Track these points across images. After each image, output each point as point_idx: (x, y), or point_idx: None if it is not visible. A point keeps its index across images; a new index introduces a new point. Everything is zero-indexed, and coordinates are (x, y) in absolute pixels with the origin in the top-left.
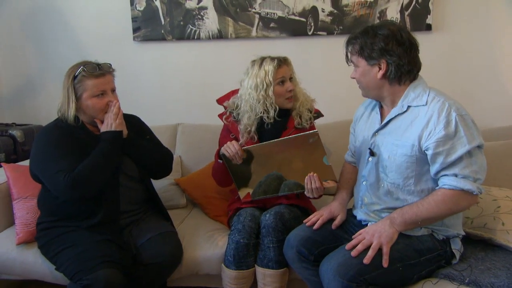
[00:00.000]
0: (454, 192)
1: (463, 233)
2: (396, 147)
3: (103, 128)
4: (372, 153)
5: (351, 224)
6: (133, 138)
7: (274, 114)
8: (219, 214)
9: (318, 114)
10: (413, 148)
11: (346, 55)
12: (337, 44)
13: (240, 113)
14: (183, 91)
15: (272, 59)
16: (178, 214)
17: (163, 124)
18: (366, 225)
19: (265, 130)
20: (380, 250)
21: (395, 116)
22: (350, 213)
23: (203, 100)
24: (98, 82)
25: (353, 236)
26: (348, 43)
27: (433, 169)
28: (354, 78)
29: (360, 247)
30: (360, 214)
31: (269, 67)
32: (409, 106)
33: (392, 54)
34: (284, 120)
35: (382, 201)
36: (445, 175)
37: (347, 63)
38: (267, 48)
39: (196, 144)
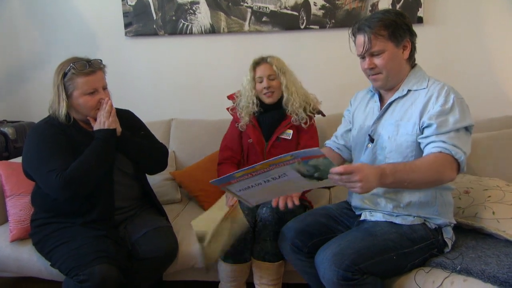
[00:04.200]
0: (444, 156)
1: (455, 222)
2: (397, 127)
3: (96, 126)
4: (371, 139)
5: (345, 216)
6: (127, 135)
7: (255, 106)
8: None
9: (314, 113)
10: (414, 127)
11: (363, 45)
12: (329, 38)
13: (241, 103)
14: (176, 86)
15: (254, 60)
16: (174, 209)
17: (157, 120)
18: (359, 216)
19: (264, 120)
20: (374, 238)
21: (396, 100)
22: (344, 204)
23: (196, 95)
24: (89, 80)
25: (347, 168)
26: (368, 29)
27: (422, 136)
28: (372, 67)
29: (337, 178)
30: (354, 200)
31: (250, 67)
32: (409, 90)
33: (413, 32)
34: (281, 113)
35: None
36: (433, 141)
37: (361, 55)
38: (259, 43)
39: (189, 139)
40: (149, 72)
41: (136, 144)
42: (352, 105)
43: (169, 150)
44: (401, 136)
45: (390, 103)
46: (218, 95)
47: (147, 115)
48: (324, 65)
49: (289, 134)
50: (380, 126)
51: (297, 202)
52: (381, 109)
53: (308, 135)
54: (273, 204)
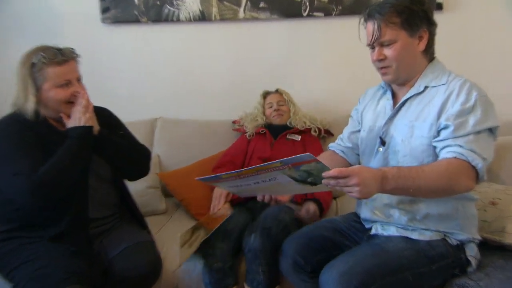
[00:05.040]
0: (459, 162)
1: (479, 238)
2: (412, 128)
3: (70, 123)
4: (383, 142)
5: (353, 230)
6: (105, 133)
7: (263, 120)
8: (204, 211)
9: (322, 129)
10: (431, 129)
11: (372, 34)
12: (336, 27)
13: (247, 121)
14: (161, 81)
15: (265, 91)
16: (157, 221)
17: (139, 119)
18: (369, 229)
19: (272, 126)
20: (386, 255)
21: (411, 97)
22: (352, 216)
23: (184, 91)
24: (62, 70)
25: (342, 171)
26: (378, 15)
27: (437, 139)
28: (381, 59)
29: (332, 183)
30: (364, 212)
31: (260, 96)
32: (426, 87)
33: (432, 21)
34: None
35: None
36: (448, 145)
37: (370, 44)
38: (256, 32)
39: (177, 141)
40: (129, 64)
41: (115, 144)
42: (361, 103)
43: (154, 154)
44: (416, 138)
45: (405, 101)
46: (209, 91)
47: (127, 114)
48: (330, 58)
49: (298, 137)
50: (393, 127)
51: (284, 202)
52: (394, 107)
53: (312, 147)
54: (258, 198)
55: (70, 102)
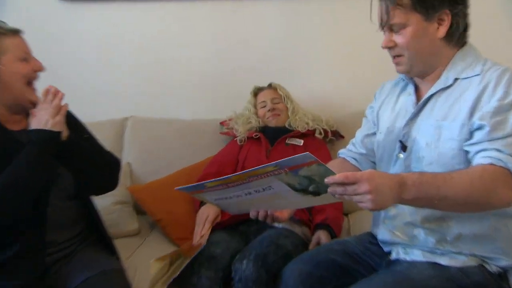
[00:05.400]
0: (497, 169)
1: None
2: (439, 129)
3: (34, 125)
4: (404, 147)
5: (369, 253)
6: (74, 141)
7: (258, 122)
8: (186, 236)
9: (329, 130)
10: (462, 129)
11: (381, 17)
12: (344, 7)
13: (238, 123)
14: (132, 72)
15: (255, 87)
16: (128, 244)
17: (104, 119)
18: (389, 253)
19: (268, 130)
20: (410, 285)
21: (437, 92)
22: (367, 237)
23: (160, 84)
24: (20, 41)
25: (349, 176)
26: None
27: (470, 142)
28: (390, 47)
29: (339, 191)
30: (382, 233)
31: (250, 94)
32: (456, 79)
33: (457, 0)
34: (288, 130)
35: (414, 209)
36: (483, 149)
37: (381, 28)
38: (248, 13)
39: (152, 146)
40: (94, 51)
41: (84, 152)
42: (377, 100)
43: (123, 162)
44: (444, 142)
45: (430, 97)
46: (191, 85)
47: (89, 112)
48: (336, 45)
49: (299, 141)
50: (415, 128)
51: (283, 219)
52: (416, 104)
53: (318, 154)
54: (251, 214)
55: (30, 84)
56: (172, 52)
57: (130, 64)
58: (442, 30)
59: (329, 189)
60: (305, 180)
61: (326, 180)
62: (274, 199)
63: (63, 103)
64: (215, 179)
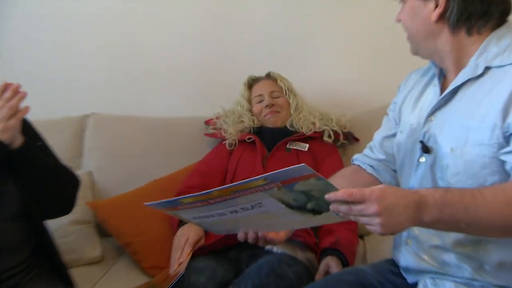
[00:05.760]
0: None
1: None
2: (467, 131)
3: None
4: (425, 149)
5: (388, 285)
6: (30, 149)
7: (252, 122)
8: (161, 263)
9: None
10: (494, 132)
11: None
12: None
13: (227, 123)
14: (96, 60)
15: (250, 77)
16: (89, 275)
17: (59, 117)
18: (415, 284)
19: (265, 133)
20: None
21: (465, 83)
22: (387, 266)
23: (129, 75)
24: None
25: (352, 193)
26: None
27: (506, 150)
28: (399, 20)
29: (343, 210)
30: (405, 257)
31: (242, 87)
32: (487, 68)
33: None
34: (290, 131)
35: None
36: None
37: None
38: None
39: (120, 151)
40: (46, 34)
41: (38, 165)
42: (400, 93)
43: (83, 170)
44: (473, 147)
45: (457, 89)
46: (169, 74)
47: (40, 108)
48: (352, 27)
49: (304, 146)
50: (438, 127)
51: (279, 241)
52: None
53: (328, 161)
54: (239, 236)
55: None
56: (144, 34)
57: (92, 50)
58: (436, 13)
59: (331, 207)
60: (303, 196)
61: (326, 197)
62: (266, 219)
63: (22, 105)
64: (193, 194)
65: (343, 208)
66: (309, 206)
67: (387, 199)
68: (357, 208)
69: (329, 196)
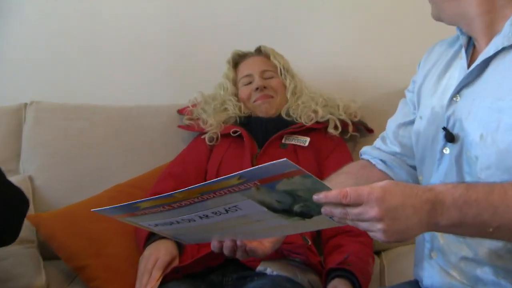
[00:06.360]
0: None
1: None
2: (498, 114)
3: None
4: (450, 137)
5: None
6: None
7: (239, 110)
8: None
9: (349, 121)
10: None
11: None
12: None
13: (206, 112)
14: (36, 34)
15: (235, 53)
16: None
17: None
18: None
19: (255, 124)
20: None
21: (498, 53)
22: (408, 287)
23: (81, 54)
24: None
25: (345, 193)
26: None
27: None
28: None
29: (337, 214)
30: (429, 275)
31: (226, 66)
32: None
33: None
34: (287, 121)
35: (475, 239)
36: None
37: None
38: None
39: (68, 148)
40: None
41: None
42: (421, 69)
43: (22, 176)
44: (506, 133)
45: (487, 61)
46: (133, 52)
47: None
48: (352, 15)
49: (304, 140)
50: (464, 108)
51: (263, 252)
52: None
53: (334, 157)
54: (213, 246)
55: None
56: (100, 4)
57: (32, 18)
58: None
59: (323, 210)
60: (287, 197)
61: (315, 197)
62: (245, 224)
63: None
64: (152, 197)
65: (337, 211)
66: (296, 208)
67: (390, 199)
68: (354, 211)
69: (318, 197)
